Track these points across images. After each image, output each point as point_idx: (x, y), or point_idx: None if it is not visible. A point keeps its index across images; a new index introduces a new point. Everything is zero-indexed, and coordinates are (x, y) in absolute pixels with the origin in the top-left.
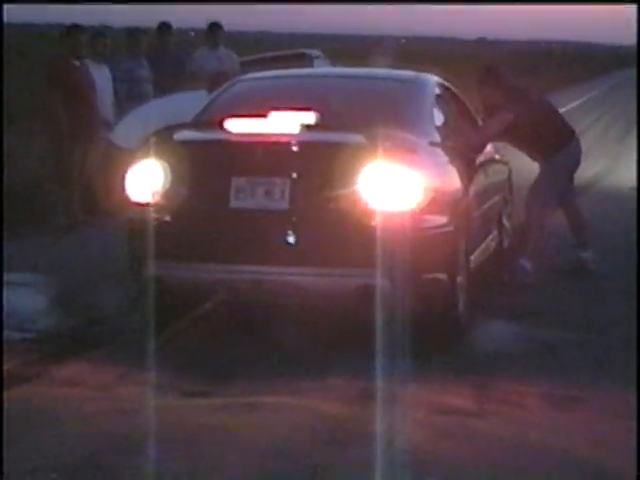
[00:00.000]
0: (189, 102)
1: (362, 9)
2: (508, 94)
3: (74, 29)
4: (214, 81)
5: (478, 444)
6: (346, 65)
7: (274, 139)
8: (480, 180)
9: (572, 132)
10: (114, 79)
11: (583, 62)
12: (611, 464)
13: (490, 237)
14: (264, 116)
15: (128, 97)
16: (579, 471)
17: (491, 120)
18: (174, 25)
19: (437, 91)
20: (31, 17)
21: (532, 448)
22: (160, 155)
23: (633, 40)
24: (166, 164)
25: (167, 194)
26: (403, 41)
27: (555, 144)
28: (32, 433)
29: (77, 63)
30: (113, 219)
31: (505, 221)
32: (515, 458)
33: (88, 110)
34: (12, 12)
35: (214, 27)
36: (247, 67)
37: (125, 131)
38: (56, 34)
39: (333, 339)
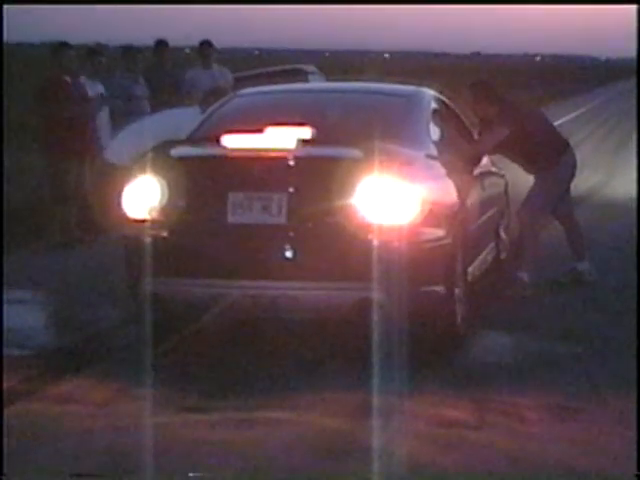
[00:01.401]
0: (181, 119)
1: (359, 23)
2: (501, 107)
3: (62, 47)
4: (208, 98)
5: (477, 456)
6: (340, 80)
7: (271, 154)
8: (477, 193)
9: (566, 144)
10: (110, 96)
11: (577, 75)
12: (610, 475)
13: (487, 249)
14: (260, 131)
15: (124, 114)
16: None
17: (487, 133)
18: (170, 43)
19: (433, 105)
20: (28, 37)
21: (531, 459)
22: (157, 171)
23: (625, 53)
24: (163, 180)
25: (164, 210)
26: (386, 56)
27: (549, 156)
28: (30, 450)
29: (68, 79)
30: (110, 236)
31: (502, 233)
32: (514, 469)
33: (81, 127)
34: (9, 31)
35: (205, 45)
36: (242, 83)
37: (117, 148)
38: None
39: (331, 353)
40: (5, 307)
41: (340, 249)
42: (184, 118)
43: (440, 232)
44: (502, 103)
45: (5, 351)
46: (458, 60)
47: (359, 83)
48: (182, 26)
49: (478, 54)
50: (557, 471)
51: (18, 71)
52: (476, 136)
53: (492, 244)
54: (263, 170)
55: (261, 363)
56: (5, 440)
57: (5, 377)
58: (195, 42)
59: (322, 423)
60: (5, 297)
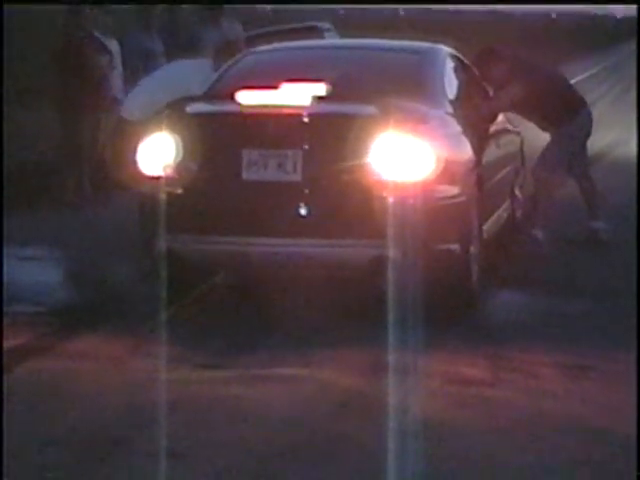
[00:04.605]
0: (191, 70)
1: None
2: (514, 66)
3: (77, 4)
4: (220, 54)
5: (492, 413)
6: (354, 37)
7: (286, 111)
8: (492, 151)
9: (582, 102)
10: (125, 53)
11: (594, 32)
12: (622, 431)
13: (502, 208)
14: (275, 88)
15: (140, 71)
16: (592, 439)
17: (502, 91)
18: None
19: (448, 62)
20: None
21: (545, 416)
22: (172, 128)
23: None
24: (178, 137)
25: (179, 167)
26: (401, 13)
27: (565, 114)
28: (45, 406)
29: (82, 36)
30: (124, 193)
31: (517, 191)
32: (529, 426)
33: (96, 84)
34: None
35: (216, 3)
36: (257, 40)
37: (131, 104)
38: (61, 9)
39: (346, 310)
40: (20, 264)
41: (355, 206)
42: (195, 70)
43: (455, 190)
44: (515, 61)
45: (20, 308)
46: (473, 17)
47: (374, 40)
48: None
49: (493, 12)
50: (570, 428)
51: (31, 29)
52: (491, 94)
53: (507, 202)
54: (278, 127)
55: (275, 320)
56: (19, 396)
57: (20, 334)
58: None
59: (337, 380)
60: (20, 254)
